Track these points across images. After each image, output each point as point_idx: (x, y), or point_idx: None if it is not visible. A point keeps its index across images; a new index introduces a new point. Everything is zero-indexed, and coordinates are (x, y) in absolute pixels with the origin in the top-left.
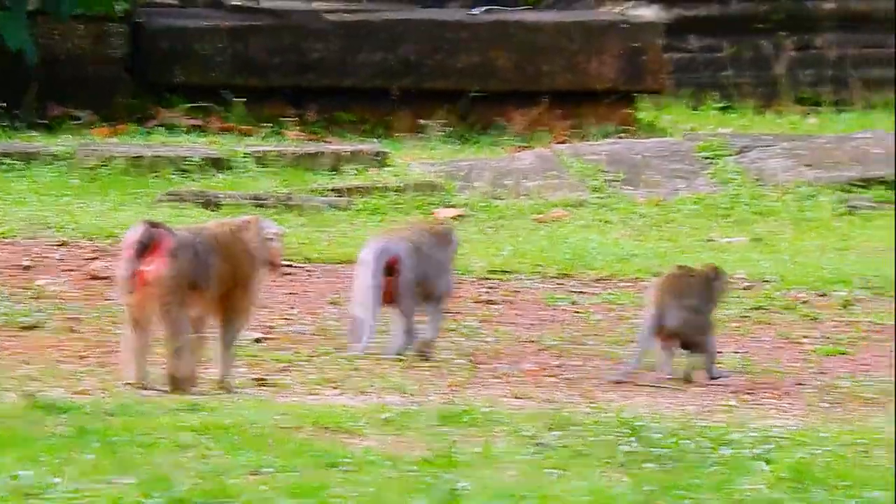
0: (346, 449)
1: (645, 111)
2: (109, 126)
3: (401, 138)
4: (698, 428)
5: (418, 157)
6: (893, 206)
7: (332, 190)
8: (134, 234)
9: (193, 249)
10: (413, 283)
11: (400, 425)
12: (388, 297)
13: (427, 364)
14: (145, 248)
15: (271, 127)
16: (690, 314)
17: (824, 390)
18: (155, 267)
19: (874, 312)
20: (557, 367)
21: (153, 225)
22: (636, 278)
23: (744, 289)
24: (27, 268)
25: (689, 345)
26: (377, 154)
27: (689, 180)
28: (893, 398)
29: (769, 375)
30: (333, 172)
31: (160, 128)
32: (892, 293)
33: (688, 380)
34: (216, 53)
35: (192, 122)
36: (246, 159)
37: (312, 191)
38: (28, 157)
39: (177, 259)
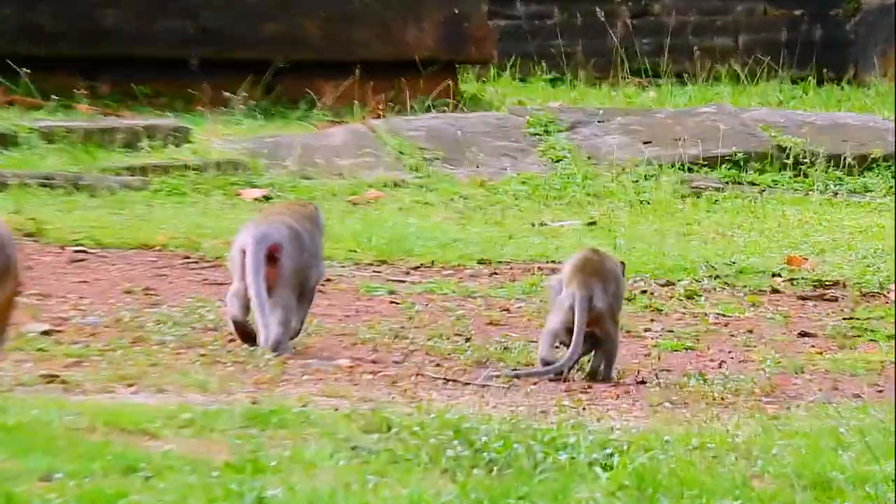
0: (145, 452)
1: (468, 83)
2: None
3: (202, 113)
4: (530, 430)
5: (221, 133)
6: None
7: (127, 169)
8: None
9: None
10: (295, 274)
11: (202, 426)
12: (267, 287)
13: (231, 358)
14: None
15: (61, 100)
16: (614, 301)
17: (669, 389)
18: None
19: (721, 303)
20: (375, 362)
21: None
22: (459, 265)
23: None
24: None
25: (601, 337)
26: (176, 130)
27: (516, 159)
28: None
29: None
30: (128, 150)
31: None
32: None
33: (593, 377)
34: (0, 20)
35: None
36: (33, 135)
37: (105, 170)
38: None
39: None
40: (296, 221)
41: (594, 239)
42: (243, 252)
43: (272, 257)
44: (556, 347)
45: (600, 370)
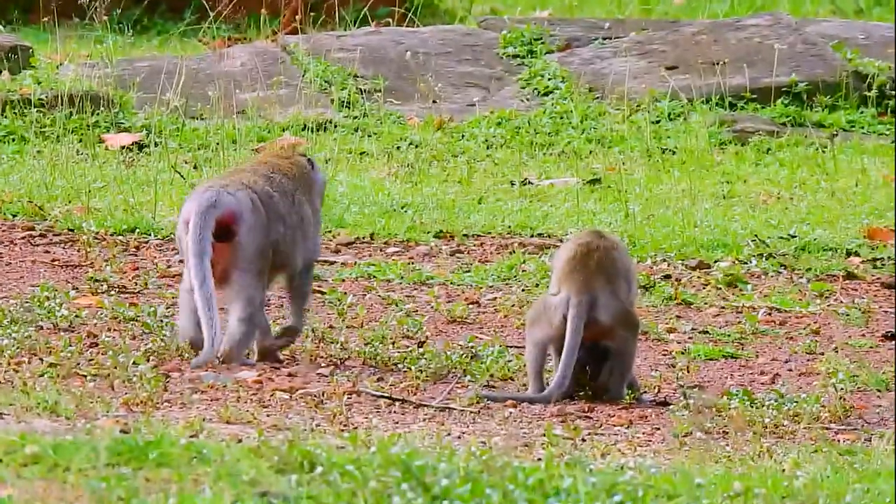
0: None
1: None
2: None
3: (47, 26)
4: (509, 470)
5: (75, 55)
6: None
7: None
8: None
9: None
10: (261, 255)
11: (53, 464)
12: (221, 272)
13: (92, 370)
14: None
15: None
16: (623, 304)
17: (701, 412)
18: None
19: (775, 293)
20: (292, 376)
21: None
22: (409, 241)
23: None
24: None
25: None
26: (11, 50)
27: (488, 91)
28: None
29: None
30: None
31: None
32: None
33: (599, 394)
34: None
35: None
36: None
37: None
38: None
39: None
40: (267, 181)
41: (598, 203)
42: (187, 226)
43: (227, 231)
44: (550, 356)
45: (609, 385)
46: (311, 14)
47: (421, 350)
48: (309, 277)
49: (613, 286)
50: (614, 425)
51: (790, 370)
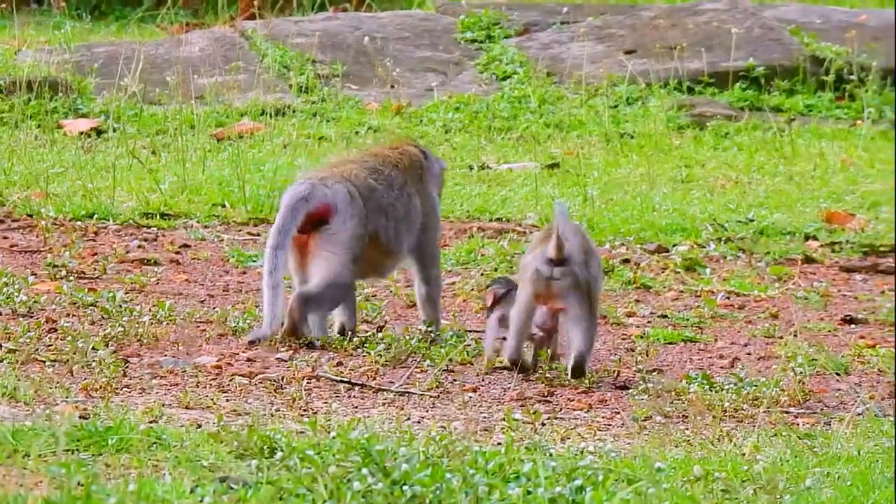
0: None
1: None
2: None
3: (5, 12)
4: (469, 454)
5: (33, 41)
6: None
7: None
8: None
9: None
10: (354, 243)
11: (12, 450)
12: (317, 255)
13: (52, 356)
14: None
15: None
16: (592, 273)
17: (661, 396)
18: None
19: (734, 277)
20: (251, 360)
21: None
22: None
23: None
24: None
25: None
26: None
27: (446, 75)
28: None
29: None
30: None
31: None
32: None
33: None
34: None
35: None
36: None
37: None
38: None
39: None
40: (372, 173)
41: (556, 187)
42: None
43: (322, 222)
44: (533, 334)
45: (579, 352)
46: None
47: (380, 334)
48: (435, 272)
49: (585, 252)
50: (574, 409)
51: (749, 354)
